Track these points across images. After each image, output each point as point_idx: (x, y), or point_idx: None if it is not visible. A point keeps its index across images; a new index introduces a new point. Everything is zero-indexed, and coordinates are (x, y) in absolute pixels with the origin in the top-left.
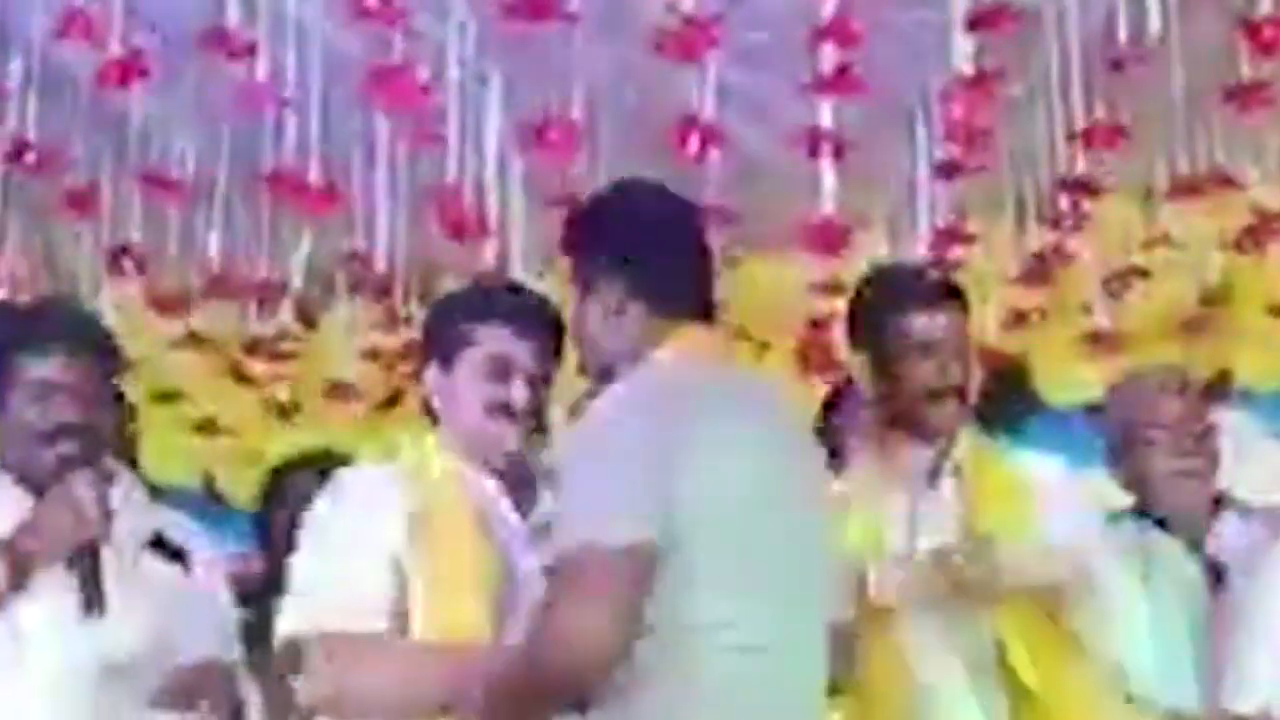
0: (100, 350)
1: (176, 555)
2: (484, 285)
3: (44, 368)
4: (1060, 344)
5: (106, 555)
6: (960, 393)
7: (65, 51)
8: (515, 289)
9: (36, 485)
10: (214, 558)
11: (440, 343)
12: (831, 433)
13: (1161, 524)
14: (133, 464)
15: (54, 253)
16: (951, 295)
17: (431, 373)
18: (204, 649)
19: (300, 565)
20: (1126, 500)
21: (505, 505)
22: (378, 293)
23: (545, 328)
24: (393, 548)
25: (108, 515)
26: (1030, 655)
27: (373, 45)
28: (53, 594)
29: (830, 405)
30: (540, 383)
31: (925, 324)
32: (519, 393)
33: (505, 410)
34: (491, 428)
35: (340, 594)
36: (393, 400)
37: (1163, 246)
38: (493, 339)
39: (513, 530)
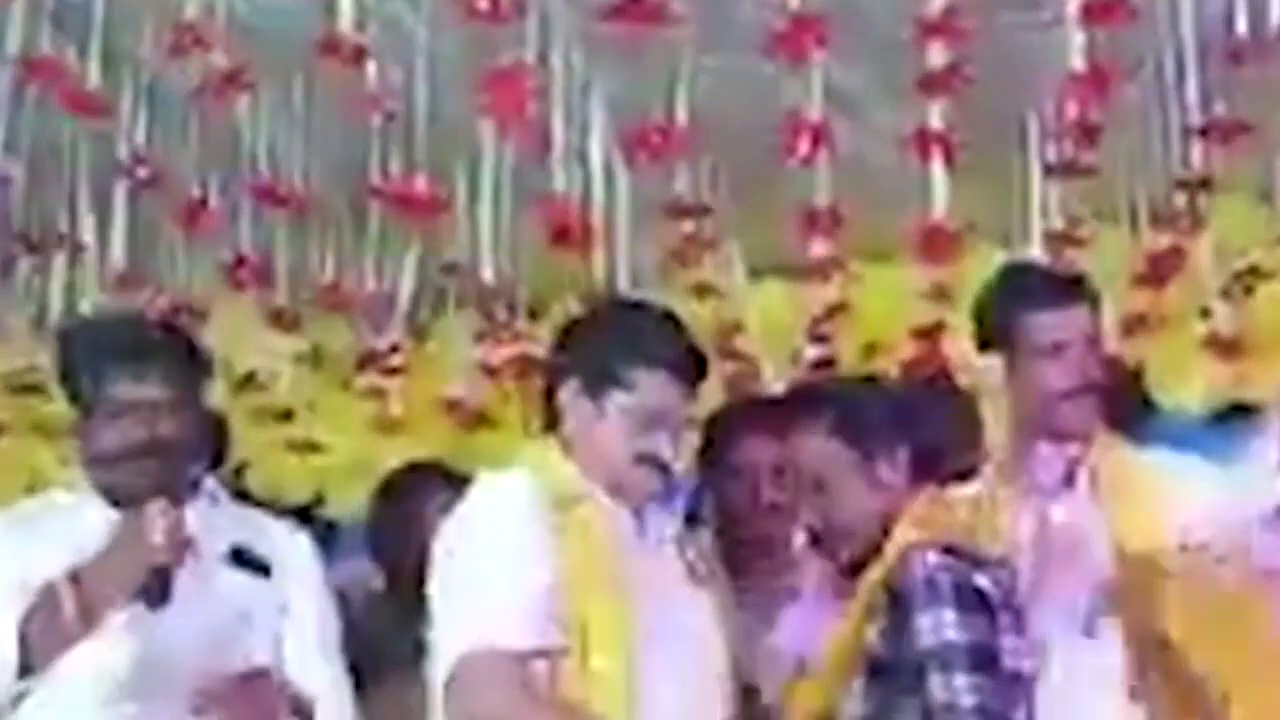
0: (188, 365)
1: (260, 567)
2: (638, 316)
3: (127, 383)
4: (1178, 349)
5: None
6: (1094, 391)
7: (173, 67)
8: (668, 320)
9: (124, 501)
10: (311, 564)
11: (588, 373)
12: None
13: None
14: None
15: (167, 269)
16: (1082, 293)
17: (571, 395)
18: (261, 659)
19: (465, 577)
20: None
21: (634, 529)
22: (484, 304)
23: (697, 369)
24: (553, 563)
25: (182, 544)
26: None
27: (477, 53)
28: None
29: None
30: (684, 426)
31: (1057, 322)
32: (667, 447)
33: (653, 461)
34: (637, 475)
35: (517, 612)
36: (498, 415)
37: None
38: (649, 388)
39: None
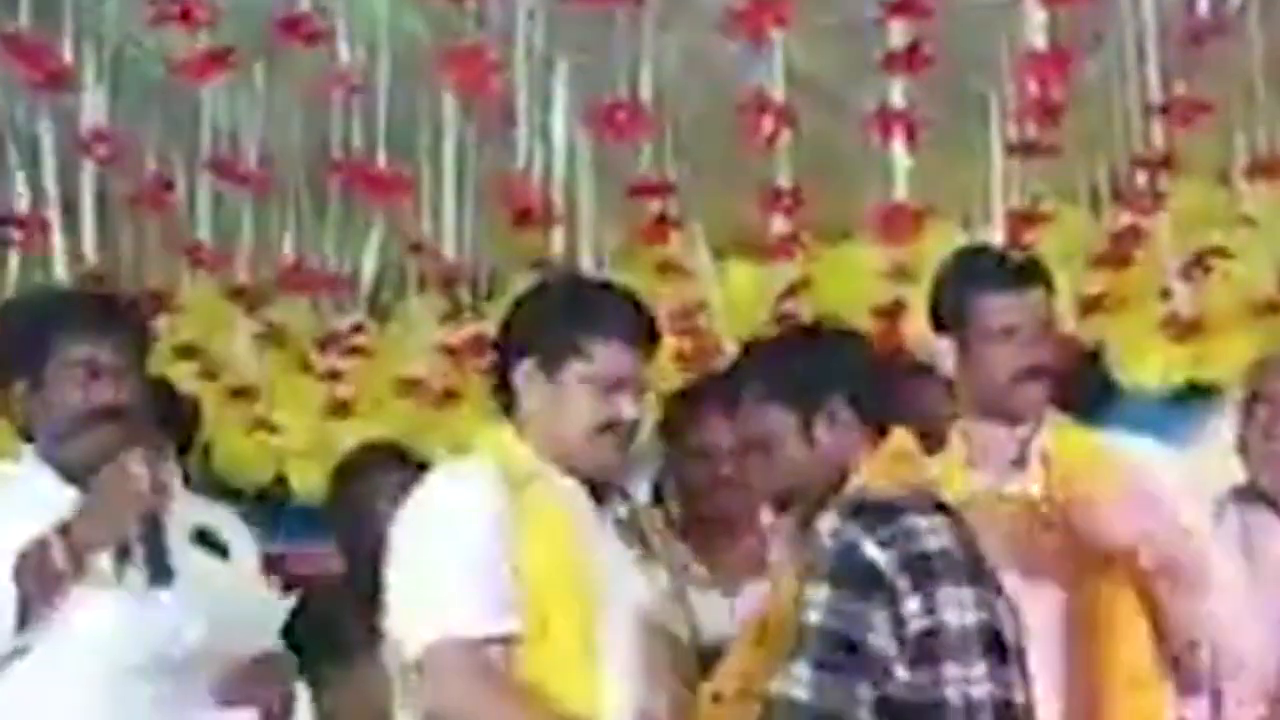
0: (139, 334)
1: (220, 550)
2: (584, 289)
3: (87, 349)
4: (1138, 329)
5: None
6: (1045, 374)
7: (145, 44)
8: (614, 290)
9: (77, 472)
10: (252, 551)
11: (543, 348)
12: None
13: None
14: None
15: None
16: (1035, 276)
17: (526, 375)
18: (259, 643)
19: (423, 565)
20: (1231, 477)
21: (590, 507)
22: (446, 284)
23: (651, 339)
24: (509, 547)
25: (164, 489)
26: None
27: (440, 30)
28: (107, 589)
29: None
30: (643, 394)
31: (1009, 305)
32: (629, 409)
33: (614, 427)
34: (602, 446)
35: (476, 599)
36: (458, 394)
37: (1242, 226)
38: (607, 356)
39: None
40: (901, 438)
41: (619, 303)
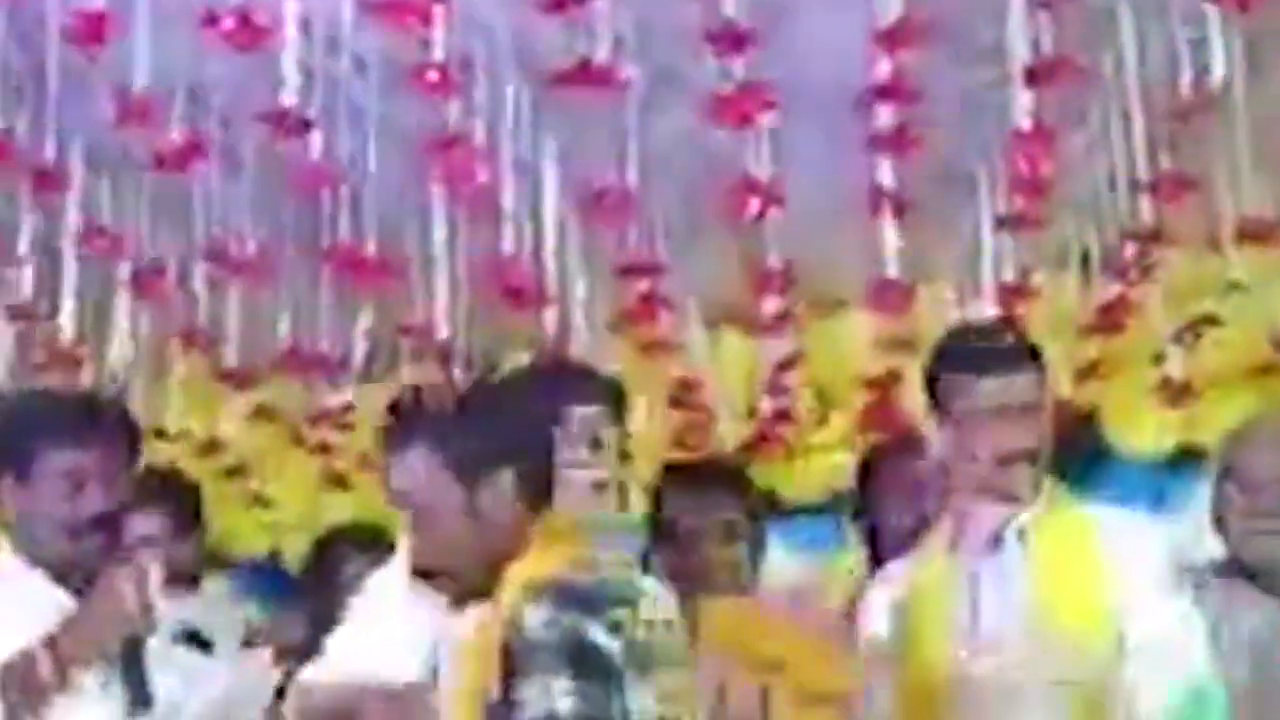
0: (127, 438)
1: (204, 645)
2: (561, 364)
3: (71, 457)
4: (1132, 394)
5: (152, 648)
6: (1034, 456)
7: (127, 136)
8: (581, 369)
9: (64, 578)
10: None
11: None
12: (866, 500)
13: (1251, 576)
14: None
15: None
16: (1025, 358)
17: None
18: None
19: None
20: (1210, 549)
21: None
22: (440, 361)
23: (624, 408)
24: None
25: (149, 609)
26: None
27: (428, 118)
28: (95, 701)
29: (866, 469)
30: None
31: (1001, 388)
32: (613, 469)
33: (604, 486)
34: (594, 503)
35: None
36: None
37: (1232, 292)
38: (585, 418)
39: None
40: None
41: (584, 376)
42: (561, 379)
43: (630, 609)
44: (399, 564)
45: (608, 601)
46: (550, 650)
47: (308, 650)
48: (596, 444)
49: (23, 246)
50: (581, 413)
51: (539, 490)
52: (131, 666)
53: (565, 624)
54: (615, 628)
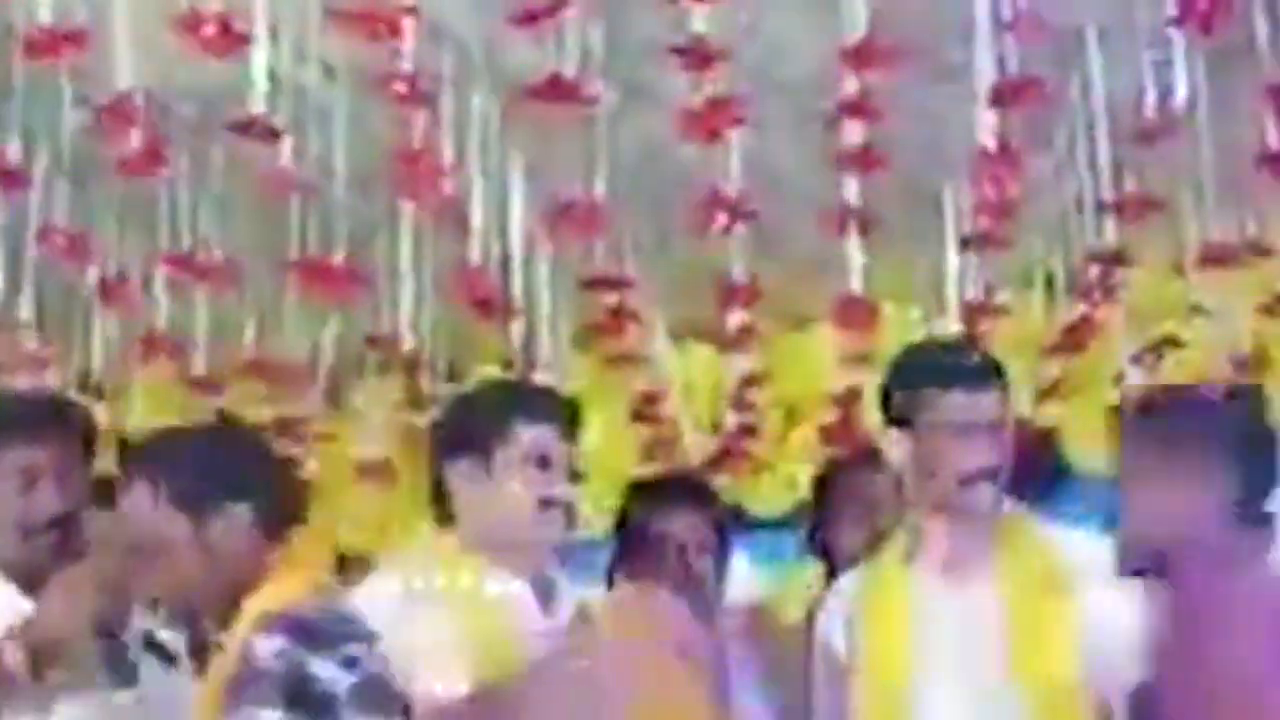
0: (83, 439)
1: (168, 657)
2: (506, 386)
3: (28, 454)
4: (1092, 413)
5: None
6: (995, 474)
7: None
8: (534, 385)
9: (22, 578)
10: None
11: (473, 441)
12: (822, 514)
13: None
14: None
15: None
16: (989, 375)
17: (460, 472)
18: None
19: None
20: None
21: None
22: (407, 372)
23: (577, 426)
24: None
25: (120, 595)
26: None
27: (396, 128)
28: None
29: (822, 484)
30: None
31: (961, 404)
32: (562, 488)
33: (551, 504)
34: (541, 521)
35: None
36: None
37: (1194, 315)
38: (532, 439)
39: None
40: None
41: (538, 392)
42: (509, 396)
43: (368, 643)
44: None
45: (344, 636)
46: (271, 681)
47: None
48: (544, 462)
49: None
50: (528, 431)
51: (280, 521)
52: (110, 647)
53: (293, 656)
54: (349, 663)
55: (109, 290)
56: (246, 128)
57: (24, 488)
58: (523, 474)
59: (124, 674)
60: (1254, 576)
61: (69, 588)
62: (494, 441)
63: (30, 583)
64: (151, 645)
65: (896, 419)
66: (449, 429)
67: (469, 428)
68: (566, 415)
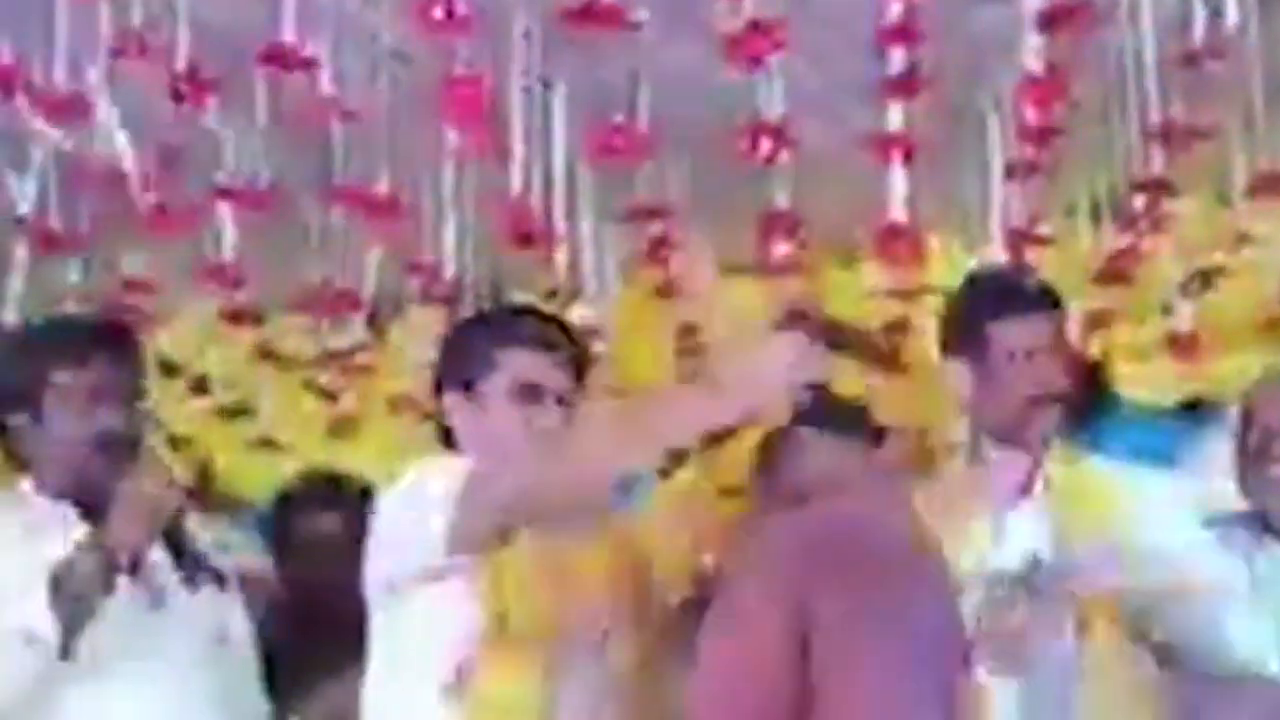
0: (136, 359)
1: (220, 577)
2: (499, 312)
3: (84, 375)
4: (1140, 345)
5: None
6: (1059, 399)
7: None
8: (527, 310)
9: (83, 501)
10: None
11: (464, 371)
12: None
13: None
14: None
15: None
16: (1049, 300)
17: (453, 403)
18: None
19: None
20: (1233, 503)
21: None
22: (447, 303)
23: (570, 346)
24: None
25: (180, 495)
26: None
27: (438, 55)
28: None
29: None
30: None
31: (1026, 331)
32: (554, 418)
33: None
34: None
35: None
36: None
37: (1243, 245)
38: (521, 364)
39: None
40: None
41: (530, 318)
42: (491, 323)
43: None
44: None
45: None
46: None
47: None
48: (534, 390)
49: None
50: (513, 358)
51: None
52: (179, 547)
53: None
54: None
55: (155, 220)
56: (276, 58)
57: (85, 409)
58: (511, 404)
59: (200, 572)
60: None
61: (136, 502)
62: (477, 371)
63: (90, 506)
64: (202, 567)
65: (958, 349)
66: (440, 361)
67: (454, 359)
68: (562, 342)
